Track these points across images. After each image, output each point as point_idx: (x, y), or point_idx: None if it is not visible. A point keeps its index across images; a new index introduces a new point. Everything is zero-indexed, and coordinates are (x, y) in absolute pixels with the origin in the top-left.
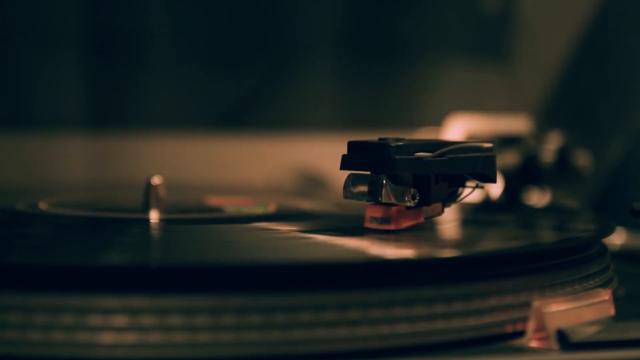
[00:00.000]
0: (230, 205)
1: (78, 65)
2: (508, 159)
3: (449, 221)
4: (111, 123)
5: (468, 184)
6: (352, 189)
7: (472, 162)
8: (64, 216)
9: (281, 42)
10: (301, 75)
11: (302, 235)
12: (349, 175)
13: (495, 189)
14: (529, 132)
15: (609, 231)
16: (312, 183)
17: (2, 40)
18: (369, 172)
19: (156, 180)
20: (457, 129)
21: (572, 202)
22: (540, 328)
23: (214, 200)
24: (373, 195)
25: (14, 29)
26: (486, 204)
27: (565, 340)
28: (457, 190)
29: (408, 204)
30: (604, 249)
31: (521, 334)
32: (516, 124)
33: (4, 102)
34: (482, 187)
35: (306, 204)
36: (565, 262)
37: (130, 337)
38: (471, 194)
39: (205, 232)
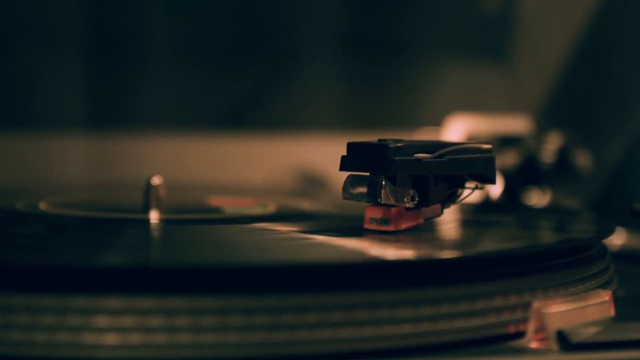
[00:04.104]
0: (230, 205)
1: (78, 65)
2: (508, 159)
3: (448, 222)
4: (111, 123)
5: (467, 184)
6: (351, 190)
7: (472, 163)
8: (64, 216)
9: (281, 42)
10: (301, 75)
11: (302, 235)
12: (348, 176)
13: (495, 190)
14: (528, 133)
15: (609, 232)
16: (312, 183)
17: (2, 40)
18: (368, 173)
19: (156, 180)
20: (457, 129)
21: (572, 203)
22: (541, 329)
23: (214, 201)
24: (372, 196)
25: (14, 28)
26: (486, 204)
27: (565, 341)
28: (456, 191)
29: (407, 205)
30: (604, 249)
31: (521, 334)
32: (516, 124)
33: (4, 102)
34: (481, 188)
35: (306, 204)
36: (565, 262)
37: (134, 338)
38: (470, 195)
39: (206, 232)
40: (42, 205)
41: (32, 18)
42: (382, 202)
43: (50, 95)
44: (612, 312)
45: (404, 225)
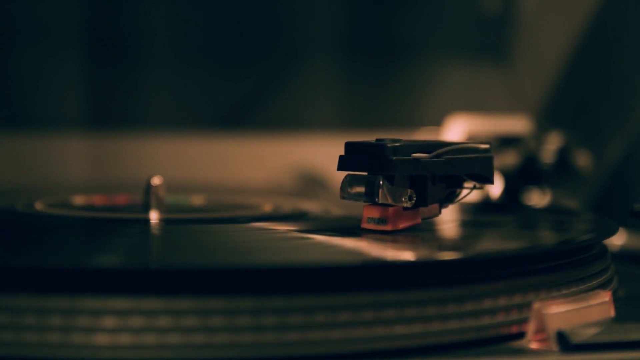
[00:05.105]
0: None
1: (78, 65)
2: (508, 159)
3: (448, 222)
4: (111, 123)
5: (466, 184)
6: (349, 190)
7: (469, 163)
8: (64, 217)
9: (281, 42)
10: (301, 75)
11: (301, 235)
12: (345, 176)
13: (496, 190)
14: (528, 133)
15: (611, 233)
16: (312, 183)
17: (2, 40)
18: (366, 173)
19: (156, 180)
20: (456, 129)
21: (572, 203)
22: (541, 329)
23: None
24: (370, 196)
25: (13, 28)
26: (486, 204)
27: (565, 342)
28: (454, 191)
29: (405, 205)
30: (604, 250)
31: (521, 335)
32: (516, 124)
33: (4, 102)
34: (479, 188)
35: (306, 204)
36: (565, 263)
37: (142, 340)
38: (469, 195)
39: (206, 232)
40: (41, 206)
41: (32, 18)
42: (380, 201)
43: (50, 95)
44: (612, 312)
45: (402, 225)
